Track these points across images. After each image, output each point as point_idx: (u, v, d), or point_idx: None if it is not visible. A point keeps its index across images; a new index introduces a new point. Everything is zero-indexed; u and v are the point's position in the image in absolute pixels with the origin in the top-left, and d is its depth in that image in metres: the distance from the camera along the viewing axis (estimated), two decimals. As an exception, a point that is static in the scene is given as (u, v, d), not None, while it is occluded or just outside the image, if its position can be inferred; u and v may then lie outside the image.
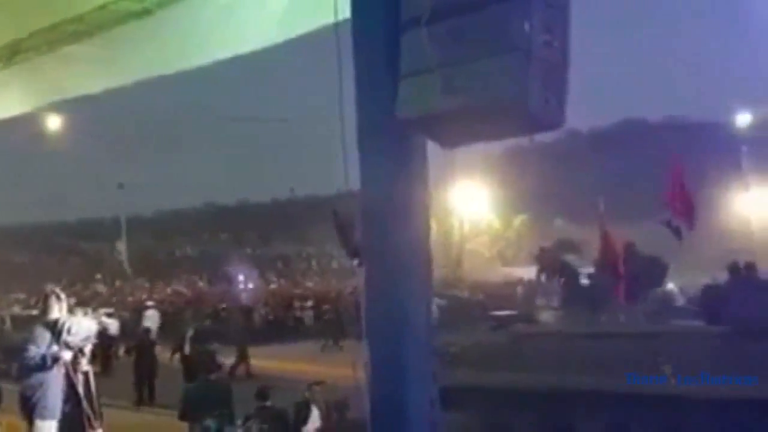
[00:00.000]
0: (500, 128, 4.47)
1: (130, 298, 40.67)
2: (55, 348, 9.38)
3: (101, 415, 10.22)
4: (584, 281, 14.07)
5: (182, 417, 11.19)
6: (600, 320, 12.87)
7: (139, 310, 31.93)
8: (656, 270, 13.84)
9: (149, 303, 33.33)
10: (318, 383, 12.30)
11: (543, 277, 22.77)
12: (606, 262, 13.95)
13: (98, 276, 48.14)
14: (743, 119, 44.19)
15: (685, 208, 14.26)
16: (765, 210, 39.41)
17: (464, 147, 5.16)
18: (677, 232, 14.14)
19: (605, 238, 14.11)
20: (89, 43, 7.88)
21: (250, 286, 44.72)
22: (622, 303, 13.19)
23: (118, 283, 46.64)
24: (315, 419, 11.44)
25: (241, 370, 23.40)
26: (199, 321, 31.00)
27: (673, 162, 15.90)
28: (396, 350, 4.87)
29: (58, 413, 9.48)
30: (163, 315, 31.71)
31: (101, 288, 45.62)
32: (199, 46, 7.55)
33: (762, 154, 42.70)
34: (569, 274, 19.31)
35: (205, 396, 11.07)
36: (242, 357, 23.73)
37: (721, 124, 50.74)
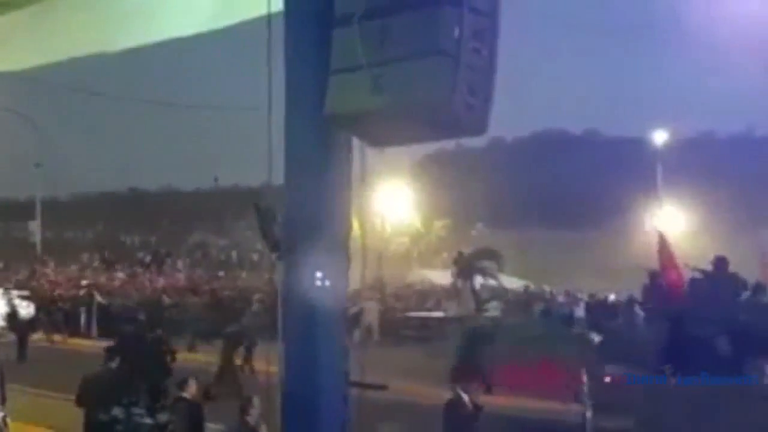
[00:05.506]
0: (425, 130, 4.52)
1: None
2: None
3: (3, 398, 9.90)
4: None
5: (79, 403, 10.26)
6: None
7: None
8: (739, 287, 12.91)
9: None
10: None
11: (459, 281, 23.09)
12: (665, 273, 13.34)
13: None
14: (660, 136, 45.49)
15: None
16: (677, 224, 40.71)
17: (390, 147, 5.21)
18: None
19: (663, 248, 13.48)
20: (16, 16, 7.68)
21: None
22: None
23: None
24: None
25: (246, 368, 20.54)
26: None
27: None
28: (311, 347, 4.85)
29: None
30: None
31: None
32: (129, 28, 7.43)
33: (676, 171, 44.13)
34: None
35: (108, 383, 10.38)
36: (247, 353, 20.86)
37: (638, 140, 52.09)
